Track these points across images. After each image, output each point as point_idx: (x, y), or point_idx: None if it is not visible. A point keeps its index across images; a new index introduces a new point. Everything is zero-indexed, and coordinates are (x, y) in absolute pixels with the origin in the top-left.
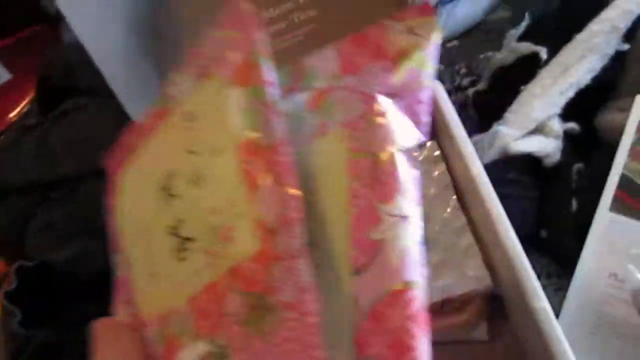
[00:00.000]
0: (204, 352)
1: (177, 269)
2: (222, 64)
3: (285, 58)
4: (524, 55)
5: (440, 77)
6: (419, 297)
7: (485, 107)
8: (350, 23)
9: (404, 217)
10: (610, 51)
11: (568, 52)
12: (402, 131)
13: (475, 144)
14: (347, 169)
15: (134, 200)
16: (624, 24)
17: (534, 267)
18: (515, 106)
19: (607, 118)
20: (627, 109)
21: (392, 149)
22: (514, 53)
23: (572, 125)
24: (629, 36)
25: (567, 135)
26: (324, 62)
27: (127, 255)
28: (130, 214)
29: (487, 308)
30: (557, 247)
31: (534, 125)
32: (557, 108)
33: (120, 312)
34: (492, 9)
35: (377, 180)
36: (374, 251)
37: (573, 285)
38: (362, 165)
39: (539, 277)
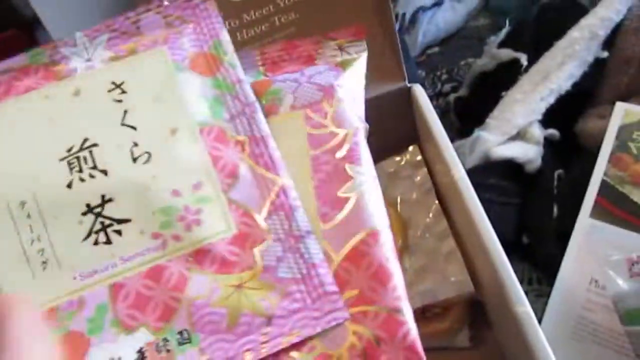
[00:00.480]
0: (144, 343)
1: (92, 254)
2: (170, 42)
3: None
4: (505, 61)
5: (421, 83)
6: (390, 242)
7: (466, 113)
8: (330, 27)
9: (373, 177)
10: (590, 58)
11: (548, 59)
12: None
13: (456, 150)
14: (308, 142)
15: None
16: (604, 32)
17: (515, 273)
18: (496, 112)
19: (587, 125)
20: (607, 116)
21: (356, 126)
22: (495, 59)
23: (553, 131)
24: (608, 43)
25: (548, 142)
26: (246, 59)
27: None
28: None
29: (469, 314)
30: (538, 254)
31: (515, 131)
32: (538, 114)
33: None
34: (473, 16)
35: (344, 148)
36: (342, 204)
37: (554, 292)
38: (324, 138)
39: (520, 283)
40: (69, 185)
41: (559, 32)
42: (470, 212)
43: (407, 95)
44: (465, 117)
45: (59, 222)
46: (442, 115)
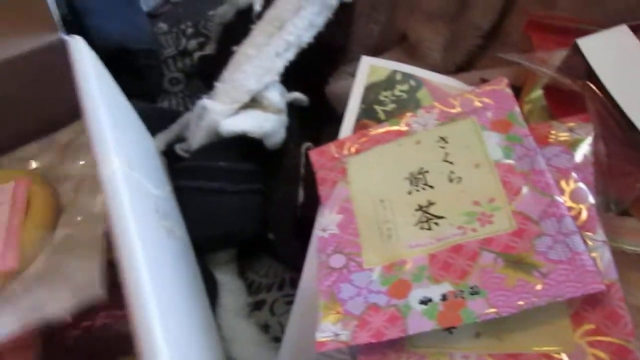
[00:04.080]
0: (446, 290)
1: (419, 234)
2: (477, 114)
3: None
4: (243, 8)
5: (163, 38)
6: (620, 292)
7: (214, 74)
8: None
9: (605, 241)
10: (333, 1)
11: (282, 3)
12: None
13: (186, 125)
14: None
15: (369, 178)
16: None
17: (265, 276)
18: (225, 74)
19: (338, 85)
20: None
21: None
22: (232, 6)
23: (298, 95)
24: None
25: (293, 109)
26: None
27: (355, 219)
28: (363, 187)
29: None
30: (281, 251)
31: (248, 97)
32: (275, 74)
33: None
34: None
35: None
36: None
37: (296, 302)
38: None
39: (269, 289)
40: (409, 193)
41: None
42: (117, 239)
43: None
44: (213, 81)
45: (401, 213)
46: (188, 78)
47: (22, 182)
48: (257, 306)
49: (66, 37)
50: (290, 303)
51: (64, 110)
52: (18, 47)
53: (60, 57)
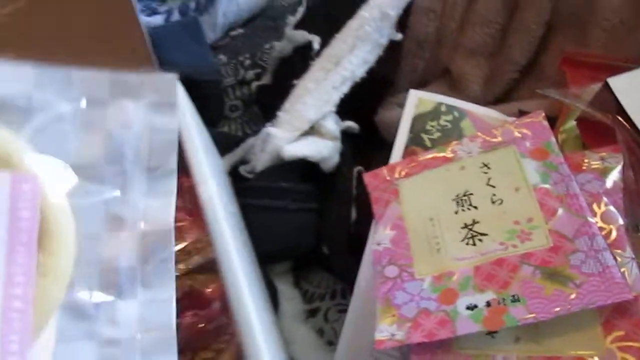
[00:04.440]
0: (490, 298)
1: (465, 249)
2: (517, 143)
3: None
4: (301, 45)
5: (223, 69)
6: None
7: (270, 103)
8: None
9: (632, 258)
10: (383, 40)
11: (339, 42)
12: None
13: (249, 149)
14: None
15: (419, 199)
16: (394, 11)
17: (318, 287)
18: (287, 104)
19: (386, 115)
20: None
21: (620, 222)
22: (291, 42)
23: (351, 124)
24: (401, 25)
25: (346, 136)
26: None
27: (407, 235)
28: (414, 207)
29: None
30: (335, 264)
31: (308, 125)
32: (331, 105)
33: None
34: None
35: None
36: None
37: (351, 308)
38: None
39: (322, 298)
40: (456, 212)
41: (351, 11)
42: (215, 241)
43: None
44: (269, 108)
45: (449, 230)
46: (245, 106)
47: None
48: (311, 313)
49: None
50: (341, 311)
51: None
52: None
53: None
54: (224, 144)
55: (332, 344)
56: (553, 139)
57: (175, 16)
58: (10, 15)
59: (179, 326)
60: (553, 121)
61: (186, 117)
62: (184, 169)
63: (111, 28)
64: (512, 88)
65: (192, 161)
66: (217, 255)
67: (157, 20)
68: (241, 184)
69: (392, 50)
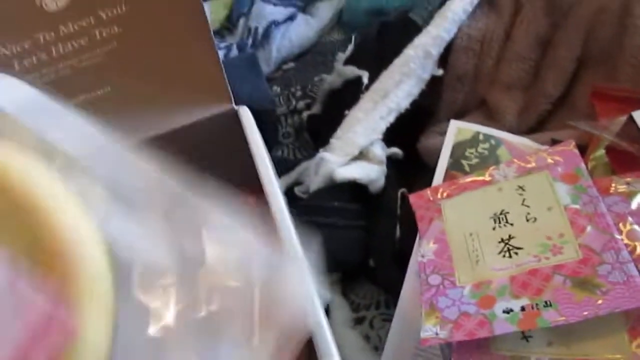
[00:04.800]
0: (525, 304)
1: (502, 261)
2: (550, 168)
3: (86, 76)
4: (350, 79)
5: (276, 99)
6: None
7: (319, 131)
8: (151, 42)
9: None
10: (426, 76)
11: (386, 77)
12: None
13: (303, 172)
14: None
15: (460, 217)
16: (436, 50)
17: (363, 298)
18: (339, 132)
19: (428, 142)
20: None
21: None
22: (341, 77)
23: (395, 150)
24: (443, 61)
25: (392, 161)
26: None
27: (449, 248)
28: (455, 224)
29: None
30: (381, 277)
31: (357, 151)
32: (379, 133)
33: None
34: (327, 31)
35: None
36: None
37: (396, 316)
38: None
39: (368, 308)
40: (493, 229)
41: (397, 50)
42: (286, 244)
43: (236, 118)
44: (319, 136)
45: (487, 244)
46: (297, 133)
47: None
48: (358, 321)
49: (237, 107)
50: (386, 320)
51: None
52: (197, 115)
53: (231, 123)
54: (279, 167)
55: (377, 349)
56: (583, 165)
57: (234, 52)
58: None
59: None
60: (584, 150)
61: (257, 139)
62: (249, 188)
63: (190, 63)
64: (545, 119)
65: (264, 176)
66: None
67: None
68: (296, 203)
69: (434, 84)
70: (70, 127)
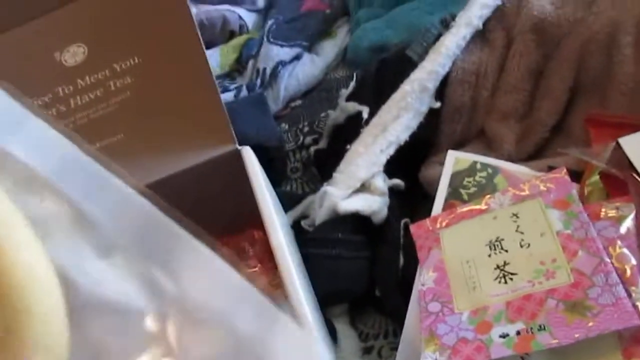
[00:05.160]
0: (520, 328)
1: (497, 287)
2: (542, 195)
3: (101, 124)
4: (352, 114)
5: (285, 136)
6: None
7: (326, 165)
8: (163, 90)
9: None
10: (424, 109)
11: (385, 112)
12: None
13: (309, 205)
14: None
15: (457, 245)
16: (432, 84)
17: (372, 327)
18: (341, 166)
19: (429, 172)
20: None
21: (633, 263)
22: (344, 112)
23: (397, 181)
24: (440, 94)
25: (394, 192)
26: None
27: (447, 276)
28: (453, 252)
29: None
30: (386, 306)
31: (359, 183)
32: (379, 166)
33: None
34: (332, 69)
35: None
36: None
37: (401, 345)
38: None
39: (377, 337)
40: (489, 255)
41: (395, 85)
42: (285, 281)
43: (239, 158)
44: (325, 169)
45: (483, 271)
46: (305, 167)
47: None
48: (366, 351)
49: (240, 148)
50: (394, 349)
51: (231, 210)
52: (203, 156)
53: (235, 163)
54: (287, 201)
55: None
56: (574, 191)
57: (244, 92)
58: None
59: None
60: (580, 175)
61: (258, 178)
62: (255, 223)
63: (196, 108)
64: (543, 147)
65: (264, 214)
66: (287, 291)
67: (229, 96)
68: (303, 236)
69: (432, 117)
70: (34, 138)
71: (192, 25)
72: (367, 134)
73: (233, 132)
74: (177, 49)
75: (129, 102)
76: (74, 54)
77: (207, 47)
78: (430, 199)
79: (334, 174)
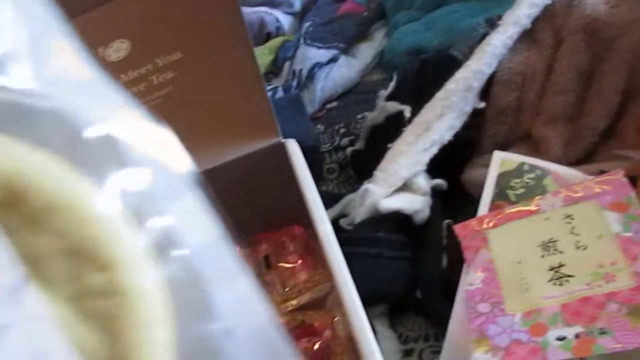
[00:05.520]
0: (579, 331)
1: (552, 289)
2: (598, 197)
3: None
4: (392, 114)
5: (321, 137)
6: None
7: (363, 165)
8: (205, 84)
9: None
10: (468, 109)
11: (428, 111)
12: None
13: (348, 204)
14: None
15: (507, 246)
16: (477, 83)
17: (411, 330)
18: (383, 164)
19: (472, 173)
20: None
21: None
22: (383, 112)
23: (439, 181)
24: (485, 94)
25: (436, 192)
26: None
27: (497, 276)
28: (502, 252)
29: None
30: (429, 308)
31: (401, 182)
32: (422, 165)
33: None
34: (369, 71)
35: None
36: None
37: (444, 348)
38: None
39: (417, 340)
40: (542, 257)
41: (438, 85)
42: (333, 269)
43: (283, 151)
44: (363, 170)
45: (536, 272)
46: (341, 168)
47: None
48: (407, 353)
49: (284, 140)
50: (435, 352)
51: (274, 200)
52: (246, 149)
53: (279, 157)
54: (324, 201)
55: None
56: (633, 194)
57: (280, 93)
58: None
59: None
60: (634, 180)
61: (304, 169)
62: (295, 218)
63: (240, 101)
64: (592, 151)
65: (310, 205)
66: (335, 281)
67: None
68: (341, 235)
69: (477, 117)
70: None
71: (239, 18)
72: (409, 132)
73: (278, 125)
74: (222, 43)
75: (172, 96)
76: (117, 50)
77: None
78: (472, 201)
79: (375, 172)
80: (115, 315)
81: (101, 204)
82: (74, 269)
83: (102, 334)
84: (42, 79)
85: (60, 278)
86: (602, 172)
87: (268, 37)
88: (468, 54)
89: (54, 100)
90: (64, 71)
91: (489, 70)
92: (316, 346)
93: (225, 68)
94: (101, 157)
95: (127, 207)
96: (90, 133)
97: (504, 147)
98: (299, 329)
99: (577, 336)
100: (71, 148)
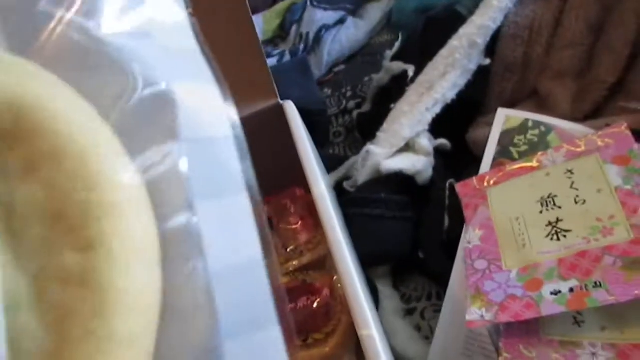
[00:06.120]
0: (574, 285)
1: (549, 244)
2: (600, 151)
3: None
4: (397, 74)
5: (328, 101)
6: None
7: (368, 128)
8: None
9: None
10: (472, 66)
11: (431, 69)
12: None
13: (352, 166)
14: None
15: (506, 202)
16: (482, 39)
17: (414, 290)
18: (385, 125)
19: (477, 133)
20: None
21: None
22: (388, 73)
23: (443, 141)
24: (490, 51)
25: (440, 152)
26: None
27: (495, 233)
28: (501, 209)
29: (353, 340)
30: (431, 267)
31: (403, 143)
32: (425, 125)
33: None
34: (377, 33)
35: None
36: None
37: (445, 306)
38: None
39: (419, 300)
40: (541, 212)
41: (443, 42)
42: (327, 230)
43: (282, 113)
44: (368, 133)
45: (534, 228)
46: (348, 131)
47: None
48: (409, 312)
49: (282, 102)
50: (437, 311)
51: (272, 160)
52: (245, 110)
53: (277, 118)
54: (330, 164)
55: (427, 338)
56: (636, 146)
57: (287, 57)
58: None
59: (294, 310)
60: (639, 133)
61: (300, 131)
62: (297, 181)
63: (237, 64)
64: (602, 106)
65: (306, 165)
66: (329, 242)
67: (272, 61)
68: (345, 197)
69: (481, 74)
70: None
71: None
72: (412, 92)
73: (275, 87)
74: (219, 5)
75: None
76: None
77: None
78: (477, 162)
79: (378, 133)
80: (72, 311)
81: (120, 170)
82: (51, 240)
83: (49, 330)
84: (127, 28)
85: (34, 246)
86: (607, 127)
87: (275, 1)
88: (473, 9)
89: (126, 53)
90: (152, 25)
91: (494, 26)
92: (315, 304)
93: (222, 30)
94: (149, 121)
95: (150, 187)
96: (147, 91)
97: (510, 106)
98: (300, 288)
99: (571, 290)
100: (120, 107)
